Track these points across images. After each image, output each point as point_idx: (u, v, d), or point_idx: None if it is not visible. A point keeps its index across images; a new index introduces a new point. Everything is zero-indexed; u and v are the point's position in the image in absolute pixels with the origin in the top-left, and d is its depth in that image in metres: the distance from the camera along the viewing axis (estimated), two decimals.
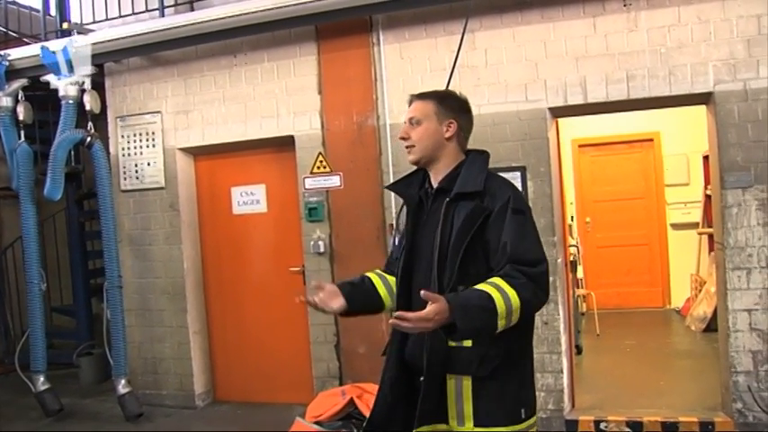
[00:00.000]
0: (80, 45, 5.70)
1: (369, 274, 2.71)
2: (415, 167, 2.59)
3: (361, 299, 2.62)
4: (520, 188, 4.29)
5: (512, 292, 2.18)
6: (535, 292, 2.24)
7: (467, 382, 2.31)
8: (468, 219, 2.31)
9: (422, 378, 2.31)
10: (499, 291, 2.18)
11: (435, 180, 2.52)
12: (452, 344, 2.30)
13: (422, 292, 2.13)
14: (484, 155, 2.58)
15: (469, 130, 2.60)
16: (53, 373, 6.24)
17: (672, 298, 8.74)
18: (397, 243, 2.71)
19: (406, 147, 2.52)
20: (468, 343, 2.30)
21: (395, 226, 2.74)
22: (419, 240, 2.48)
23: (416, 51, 5.22)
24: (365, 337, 5.42)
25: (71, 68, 5.71)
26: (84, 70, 5.75)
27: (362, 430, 2.61)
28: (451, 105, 2.56)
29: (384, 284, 2.68)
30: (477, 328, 2.20)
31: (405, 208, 2.62)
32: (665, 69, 4.62)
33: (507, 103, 4.95)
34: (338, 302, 2.53)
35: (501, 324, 2.19)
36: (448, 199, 2.38)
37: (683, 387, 5.52)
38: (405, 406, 2.43)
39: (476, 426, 2.31)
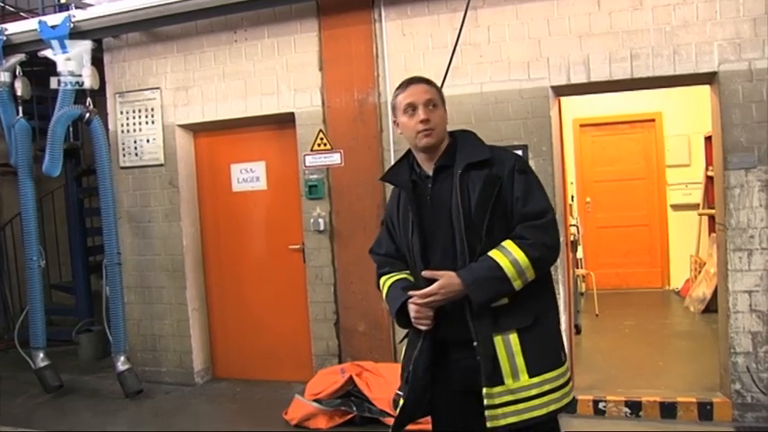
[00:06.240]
0: (78, 20, 5.63)
1: (404, 277, 2.67)
2: (396, 157, 2.78)
3: None
4: None
5: (520, 254, 2.37)
6: (544, 244, 2.42)
7: (513, 337, 2.41)
8: (487, 186, 2.43)
9: (475, 343, 2.39)
10: (507, 256, 2.37)
11: (428, 162, 2.58)
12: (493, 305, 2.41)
13: (423, 272, 2.43)
14: (470, 131, 2.69)
15: None
16: (52, 350, 6.24)
17: (671, 279, 8.75)
18: (395, 236, 2.71)
19: (426, 129, 2.51)
20: (504, 300, 2.42)
21: (387, 222, 2.76)
22: (428, 221, 2.53)
23: (419, 28, 5.16)
24: (365, 316, 5.43)
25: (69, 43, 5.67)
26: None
27: (397, 418, 2.60)
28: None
29: None
30: (492, 297, 2.39)
31: (398, 201, 2.66)
32: (670, 48, 4.58)
33: (510, 81, 4.90)
34: None
35: (517, 284, 2.38)
36: (460, 171, 2.47)
37: (681, 368, 5.53)
38: (430, 388, 2.55)
39: (530, 377, 2.40)
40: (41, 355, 5.97)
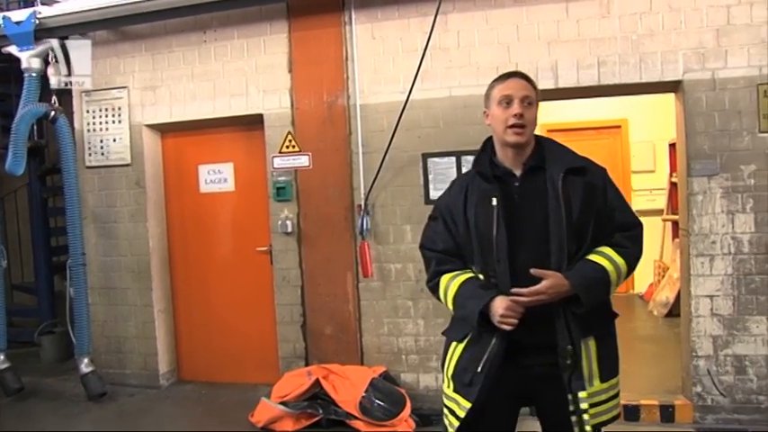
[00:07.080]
0: (44, 16, 5.54)
1: (473, 276, 2.58)
2: (479, 148, 2.68)
3: None
4: None
5: (621, 261, 2.47)
6: (635, 255, 2.52)
7: (592, 343, 2.46)
8: (588, 193, 2.47)
9: (569, 347, 2.39)
10: (611, 262, 2.45)
11: (515, 159, 2.55)
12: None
13: (532, 270, 2.35)
14: (552, 138, 2.71)
15: None
16: (13, 352, 6.13)
17: (635, 283, 8.85)
18: (455, 232, 2.59)
19: (517, 125, 2.49)
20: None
21: (444, 217, 2.65)
22: (515, 218, 2.47)
23: (389, 32, 5.18)
24: (331, 318, 5.42)
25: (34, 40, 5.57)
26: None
27: (463, 421, 2.52)
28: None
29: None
30: (596, 299, 2.45)
31: (465, 195, 2.57)
32: (636, 56, 4.66)
33: (479, 86, 4.90)
34: None
35: (612, 290, 2.50)
36: (562, 174, 2.47)
37: (644, 371, 5.59)
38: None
39: (601, 382, 2.46)
40: (1, 357, 5.86)
